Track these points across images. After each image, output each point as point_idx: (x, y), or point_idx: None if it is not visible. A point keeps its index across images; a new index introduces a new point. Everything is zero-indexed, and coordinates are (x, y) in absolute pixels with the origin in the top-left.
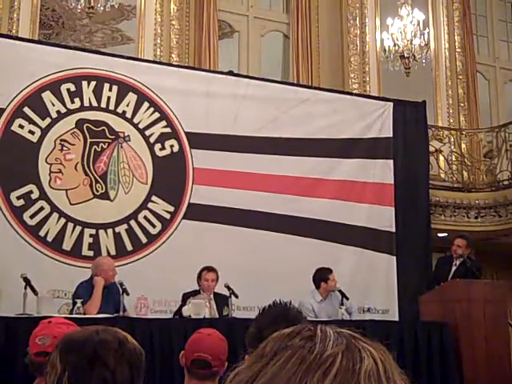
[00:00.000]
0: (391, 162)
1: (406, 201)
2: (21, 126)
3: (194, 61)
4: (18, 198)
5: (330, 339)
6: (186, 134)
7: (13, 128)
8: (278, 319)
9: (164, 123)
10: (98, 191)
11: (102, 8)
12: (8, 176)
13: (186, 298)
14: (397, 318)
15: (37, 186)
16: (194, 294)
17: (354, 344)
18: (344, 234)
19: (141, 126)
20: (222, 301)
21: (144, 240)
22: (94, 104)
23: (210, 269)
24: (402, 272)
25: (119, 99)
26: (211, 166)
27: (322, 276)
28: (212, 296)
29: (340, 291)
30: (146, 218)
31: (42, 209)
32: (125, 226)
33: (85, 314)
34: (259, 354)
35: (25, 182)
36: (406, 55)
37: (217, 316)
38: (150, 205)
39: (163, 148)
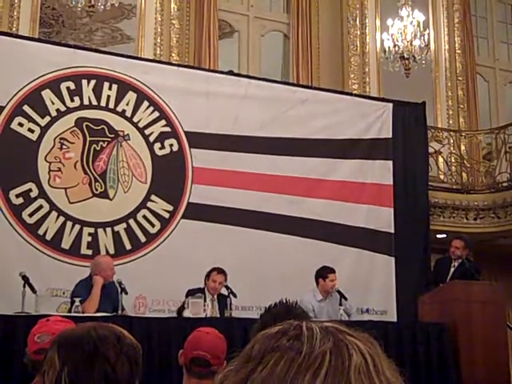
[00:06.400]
0: (390, 162)
1: (405, 202)
2: (20, 124)
3: (194, 60)
4: (17, 196)
5: (316, 337)
6: (186, 133)
7: (12, 126)
8: (280, 316)
9: (163, 122)
10: (97, 190)
11: (102, 7)
12: (7, 174)
13: (189, 294)
14: (395, 319)
15: (36, 185)
16: (199, 291)
17: (341, 340)
18: (343, 234)
19: (140, 124)
20: (224, 301)
21: (143, 239)
22: (94, 103)
23: (219, 271)
24: (400, 273)
25: (119, 98)
26: (211, 166)
27: (320, 273)
28: (215, 297)
29: (338, 291)
30: (145, 217)
31: (40, 207)
32: (124, 225)
33: (83, 312)
34: (246, 356)
35: (24, 180)
36: (405, 56)
37: (218, 316)
38: (149, 204)
39: (163, 147)
